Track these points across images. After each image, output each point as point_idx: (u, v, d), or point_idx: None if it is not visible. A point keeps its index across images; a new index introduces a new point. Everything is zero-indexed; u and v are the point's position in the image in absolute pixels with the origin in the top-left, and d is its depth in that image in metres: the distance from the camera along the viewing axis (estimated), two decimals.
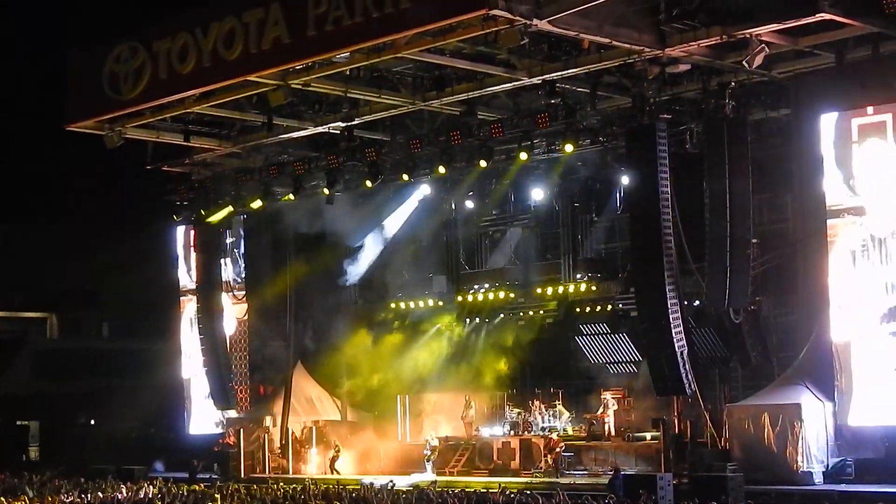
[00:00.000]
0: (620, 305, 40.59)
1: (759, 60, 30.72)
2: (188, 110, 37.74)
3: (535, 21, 28.50)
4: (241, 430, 45.28)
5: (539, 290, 43.11)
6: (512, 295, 43.87)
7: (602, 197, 42.44)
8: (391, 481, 35.56)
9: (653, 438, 37.26)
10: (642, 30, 30.92)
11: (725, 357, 37.85)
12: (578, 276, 42.26)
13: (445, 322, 45.52)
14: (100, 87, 37.05)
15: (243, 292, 48.45)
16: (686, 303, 35.04)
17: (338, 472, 42.60)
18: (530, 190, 43.18)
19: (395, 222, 46.74)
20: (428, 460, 40.80)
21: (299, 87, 34.64)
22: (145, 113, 38.00)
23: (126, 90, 36.51)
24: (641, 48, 31.32)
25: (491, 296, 44.13)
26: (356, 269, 47.75)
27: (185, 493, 33.23)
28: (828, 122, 33.34)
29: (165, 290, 52.48)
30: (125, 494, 33.60)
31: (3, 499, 32.47)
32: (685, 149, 34.89)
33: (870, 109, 32.83)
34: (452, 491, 32.00)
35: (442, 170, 38.97)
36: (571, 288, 42.10)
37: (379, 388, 45.52)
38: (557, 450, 38.27)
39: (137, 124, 38.99)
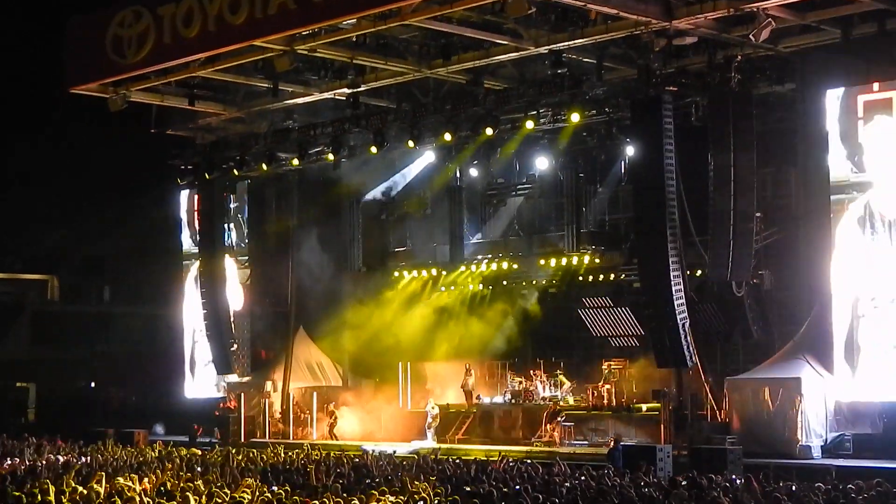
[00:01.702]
0: (623, 277, 40.60)
1: (765, 35, 30.69)
2: (193, 74, 37.74)
3: None
4: (242, 394, 45.39)
5: (542, 261, 43.07)
6: (515, 265, 43.84)
7: (606, 168, 42.35)
8: (393, 448, 35.77)
9: (650, 410, 37.35)
10: (649, 1, 30.90)
11: (727, 332, 37.88)
12: (581, 247, 42.18)
13: (448, 290, 45.56)
14: (104, 50, 37.01)
15: (246, 257, 48.51)
16: (689, 273, 35.07)
17: (335, 438, 42.69)
18: (535, 160, 43.12)
19: (399, 183, 46.84)
20: (429, 428, 40.88)
21: (305, 52, 34.63)
22: (150, 76, 37.99)
23: (130, 54, 36.47)
24: (648, 20, 31.28)
25: (494, 266, 44.10)
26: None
27: (185, 457, 33.30)
28: (833, 97, 33.32)
29: (168, 254, 52.52)
30: (125, 458, 33.65)
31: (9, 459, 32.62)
32: (690, 121, 34.83)
33: (875, 86, 32.84)
34: (453, 458, 32.10)
35: (448, 137, 38.91)
36: (575, 259, 42.05)
37: (380, 355, 45.55)
38: (558, 418, 38.32)
39: (142, 88, 38.99)
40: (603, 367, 40.10)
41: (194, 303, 48.40)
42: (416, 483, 23.78)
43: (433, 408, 41.40)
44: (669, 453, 31.96)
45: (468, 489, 23.50)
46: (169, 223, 51.74)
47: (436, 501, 21.22)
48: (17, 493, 22.61)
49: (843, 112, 33.20)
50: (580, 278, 42.45)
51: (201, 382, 49.79)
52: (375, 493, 21.31)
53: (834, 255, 33.20)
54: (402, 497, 21.48)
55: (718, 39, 33.23)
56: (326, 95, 39.35)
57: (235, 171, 44.52)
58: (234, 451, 36.15)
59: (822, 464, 30.99)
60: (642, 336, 39.85)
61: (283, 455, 34.06)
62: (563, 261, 42.32)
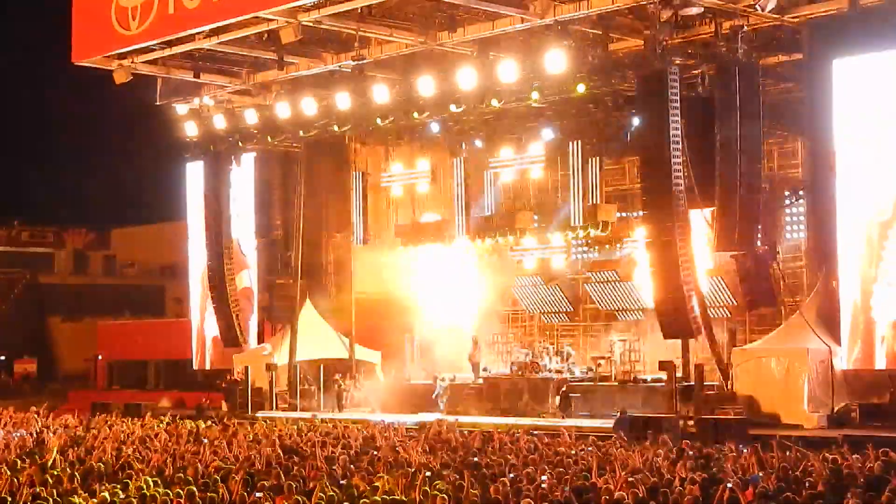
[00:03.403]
0: (629, 248, 40.56)
1: (771, 4, 30.63)
2: (198, 46, 37.65)
3: None
4: (249, 367, 45.43)
5: (548, 234, 43.07)
6: (521, 238, 43.80)
7: (612, 139, 42.26)
8: (399, 420, 35.81)
9: (657, 381, 37.37)
10: None
11: (734, 304, 37.89)
12: (587, 218, 42.12)
13: (455, 263, 45.53)
14: (108, 22, 36.98)
15: (252, 229, 48.51)
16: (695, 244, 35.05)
17: (341, 409, 42.73)
18: (540, 131, 43.00)
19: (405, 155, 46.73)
20: (440, 400, 40.83)
21: (310, 24, 34.52)
22: (154, 48, 37.94)
23: (134, 26, 36.42)
24: None
25: (500, 239, 44.08)
26: None
27: (192, 430, 33.43)
28: (840, 67, 33.17)
29: (174, 226, 52.63)
30: (132, 430, 33.78)
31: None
32: (696, 92, 34.72)
33: (884, 55, 32.65)
34: (459, 430, 32.14)
35: (453, 108, 38.81)
36: (581, 231, 42.00)
37: (387, 327, 45.64)
38: (563, 389, 38.31)
39: (146, 60, 38.95)
40: (610, 338, 40.14)
41: (201, 275, 48.48)
42: (426, 456, 23.86)
43: (443, 380, 41.37)
44: (676, 424, 32.01)
45: (475, 460, 23.57)
46: (175, 195, 51.84)
47: (443, 474, 21.27)
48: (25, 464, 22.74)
49: (851, 82, 33.08)
50: (587, 249, 42.43)
51: (208, 355, 49.91)
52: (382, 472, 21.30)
53: (839, 224, 33.15)
54: (409, 469, 21.52)
55: (725, 9, 33.07)
56: (332, 67, 39.27)
57: (241, 143, 44.51)
58: (235, 423, 36.28)
59: (829, 433, 31.01)
60: (649, 310, 39.85)
61: (289, 427, 34.19)
62: (569, 233, 42.30)
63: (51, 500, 18.28)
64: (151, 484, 19.77)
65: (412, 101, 39.46)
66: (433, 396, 41.06)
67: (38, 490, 19.40)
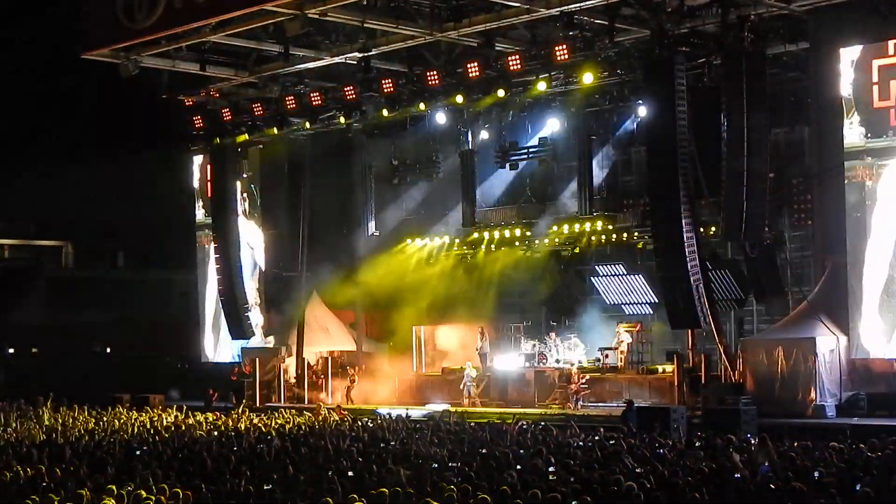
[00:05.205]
0: (636, 239, 40.57)
1: None
2: (204, 39, 37.65)
3: None
4: (257, 359, 45.50)
5: (555, 226, 43.05)
6: (528, 230, 43.80)
7: (619, 130, 42.25)
8: (407, 412, 35.84)
9: (664, 372, 37.39)
10: None
11: (741, 298, 37.88)
12: (594, 209, 42.14)
13: (461, 255, 45.55)
14: (115, 15, 36.96)
15: (259, 222, 48.55)
16: (702, 234, 35.01)
17: (352, 402, 42.82)
18: (546, 122, 43.00)
19: (412, 148, 46.67)
20: (468, 391, 40.77)
21: (316, 16, 34.51)
22: (161, 42, 37.93)
23: (141, 18, 36.41)
24: None
25: (507, 233, 44.07)
26: None
27: (201, 422, 33.50)
28: (847, 56, 33.14)
29: (181, 219, 52.62)
30: (141, 422, 33.86)
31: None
32: (703, 82, 34.67)
33: (891, 44, 32.57)
34: (467, 422, 32.18)
35: (459, 99, 38.80)
36: (588, 224, 41.99)
37: (394, 319, 45.67)
38: (574, 384, 38.22)
39: (153, 53, 38.94)
40: (617, 329, 40.15)
41: (208, 267, 48.58)
42: (434, 447, 23.88)
43: (470, 369, 41.27)
44: (683, 414, 32.03)
45: (483, 451, 23.59)
46: (182, 188, 51.81)
47: (451, 465, 21.30)
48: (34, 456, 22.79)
49: (857, 72, 33.05)
50: (593, 240, 42.45)
51: (216, 347, 49.98)
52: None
53: (847, 215, 33.14)
54: (418, 461, 21.56)
55: None
56: (338, 59, 39.25)
57: (247, 136, 44.53)
58: (244, 415, 36.35)
59: (837, 423, 31.02)
60: (655, 303, 39.89)
61: (298, 419, 34.23)
62: (576, 225, 42.29)
63: (62, 491, 18.32)
64: (160, 476, 19.81)
65: (418, 92, 39.51)
66: (461, 387, 41.01)
67: (47, 482, 19.45)
